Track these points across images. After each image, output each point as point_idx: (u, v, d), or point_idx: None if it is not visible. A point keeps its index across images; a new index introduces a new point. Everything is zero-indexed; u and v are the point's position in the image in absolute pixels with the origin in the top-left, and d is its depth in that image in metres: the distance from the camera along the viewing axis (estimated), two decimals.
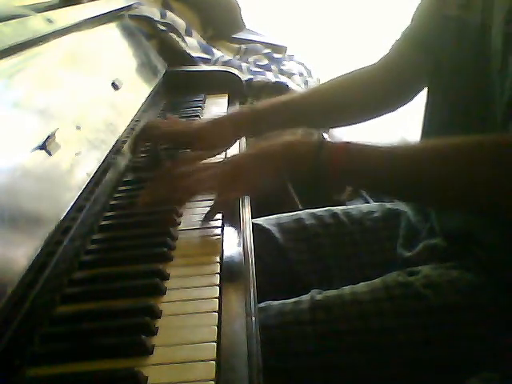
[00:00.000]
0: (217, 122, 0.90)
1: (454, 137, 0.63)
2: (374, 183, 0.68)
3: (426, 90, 0.89)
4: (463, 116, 0.76)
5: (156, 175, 0.77)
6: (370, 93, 0.95)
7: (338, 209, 0.96)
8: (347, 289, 0.76)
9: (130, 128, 0.92)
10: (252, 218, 0.73)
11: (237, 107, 1.22)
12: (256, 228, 0.80)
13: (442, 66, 0.82)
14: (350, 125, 1.04)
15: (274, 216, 0.97)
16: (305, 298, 0.75)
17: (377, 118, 0.97)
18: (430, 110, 0.86)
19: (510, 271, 0.70)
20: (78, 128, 0.74)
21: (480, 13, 0.72)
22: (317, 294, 0.75)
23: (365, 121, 0.98)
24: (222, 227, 0.68)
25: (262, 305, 0.75)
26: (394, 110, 0.97)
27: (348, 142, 0.65)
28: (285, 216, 0.96)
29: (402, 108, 0.97)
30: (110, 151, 0.78)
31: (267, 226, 0.93)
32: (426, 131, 0.86)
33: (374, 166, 0.65)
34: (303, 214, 0.96)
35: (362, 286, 0.76)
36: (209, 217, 0.69)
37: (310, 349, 0.71)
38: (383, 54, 0.95)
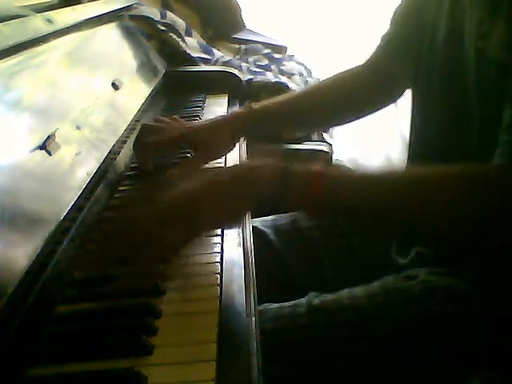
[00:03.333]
0: (214, 124, 0.88)
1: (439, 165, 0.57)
2: (352, 213, 0.60)
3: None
4: (443, 137, 0.72)
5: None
6: (357, 93, 0.94)
7: None
8: (345, 293, 0.75)
9: (130, 128, 0.92)
10: None
11: (236, 108, 1.22)
12: (252, 231, 0.79)
13: (418, 77, 0.78)
14: (339, 124, 1.08)
15: (270, 217, 0.96)
16: (302, 301, 0.75)
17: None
18: (413, 129, 0.83)
19: (504, 280, 0.70)
20: (78, 128, 0.74)
21: (447, 13, 0.68)
22: (314, 298, 0.74)
23: (352, 120, 0.97)
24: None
25: (260, 307, 0.74)
26: (381, 109, 0.96)
27: (322, 170, 0.57)
28: (281, 217, 0.95)
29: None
30: (110, 151, 0.78)
31: (263, 229, 0.92)
32: (412, 154, 0.83)
33: (350, 195, 0.57)
34: (299, 215, 0.95)
35: (359, 291, 0.75)
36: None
37: (308, 354, 0.70)
38: (368, 56, 0.93)
